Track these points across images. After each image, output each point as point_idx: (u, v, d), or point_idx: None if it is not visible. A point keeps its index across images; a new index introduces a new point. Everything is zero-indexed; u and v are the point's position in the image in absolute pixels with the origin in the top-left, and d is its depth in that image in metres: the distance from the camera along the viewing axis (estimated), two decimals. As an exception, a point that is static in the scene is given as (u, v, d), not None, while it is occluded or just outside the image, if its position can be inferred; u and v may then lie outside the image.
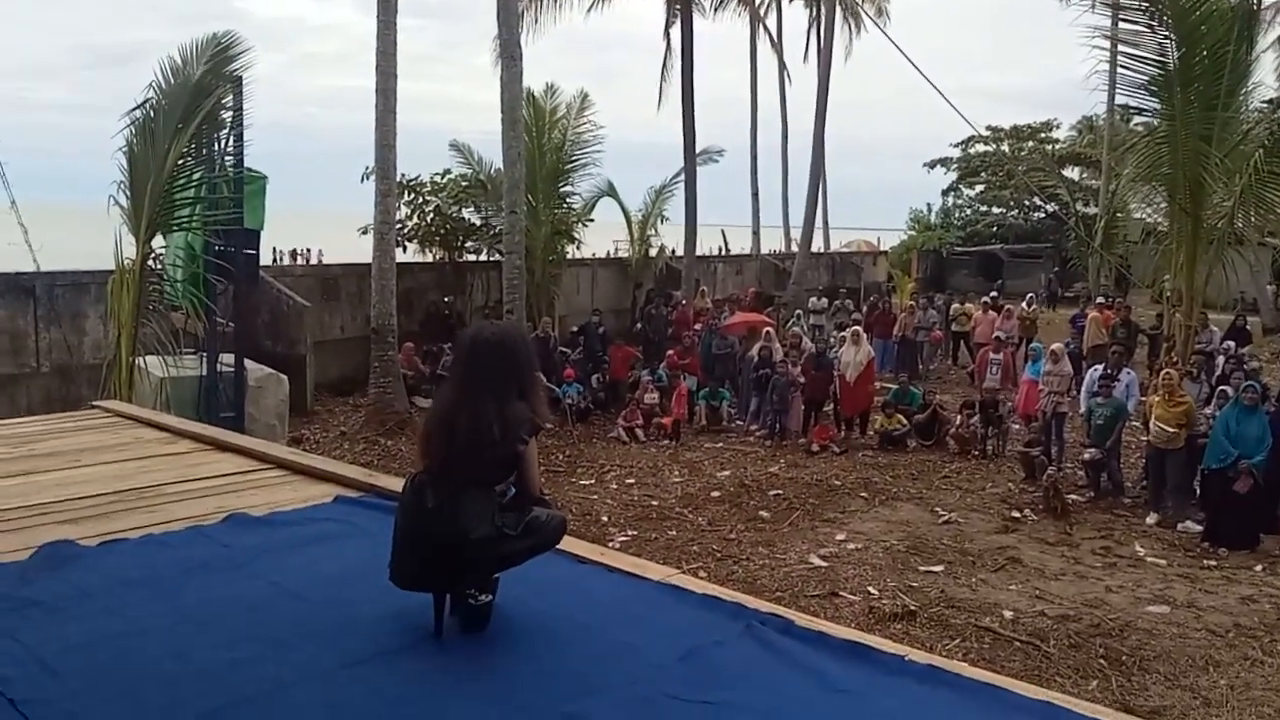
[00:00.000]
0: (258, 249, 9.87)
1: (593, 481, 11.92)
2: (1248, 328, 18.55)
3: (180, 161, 9.12)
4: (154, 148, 8.71)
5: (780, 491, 11.34)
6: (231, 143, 9.55)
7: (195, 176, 9.36)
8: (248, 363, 10.31)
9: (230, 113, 9.49)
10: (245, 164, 9.62)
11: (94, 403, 6.84)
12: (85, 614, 3.20)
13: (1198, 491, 10.56)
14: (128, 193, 8.88)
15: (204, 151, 9.47)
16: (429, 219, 18.37)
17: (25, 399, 11.90)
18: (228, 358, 9.88)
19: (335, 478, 4.91)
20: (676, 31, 23.71)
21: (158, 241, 9.27)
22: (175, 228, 9.24)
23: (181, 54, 9.07)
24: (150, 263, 9.05)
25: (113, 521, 4.20)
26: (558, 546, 3.39)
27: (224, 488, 4.81)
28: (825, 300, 23.19)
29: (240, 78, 9.39)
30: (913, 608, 7.67)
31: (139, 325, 8.78)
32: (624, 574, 3.65)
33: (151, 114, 8.91)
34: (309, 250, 19.95)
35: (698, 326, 18.07)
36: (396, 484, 4.15)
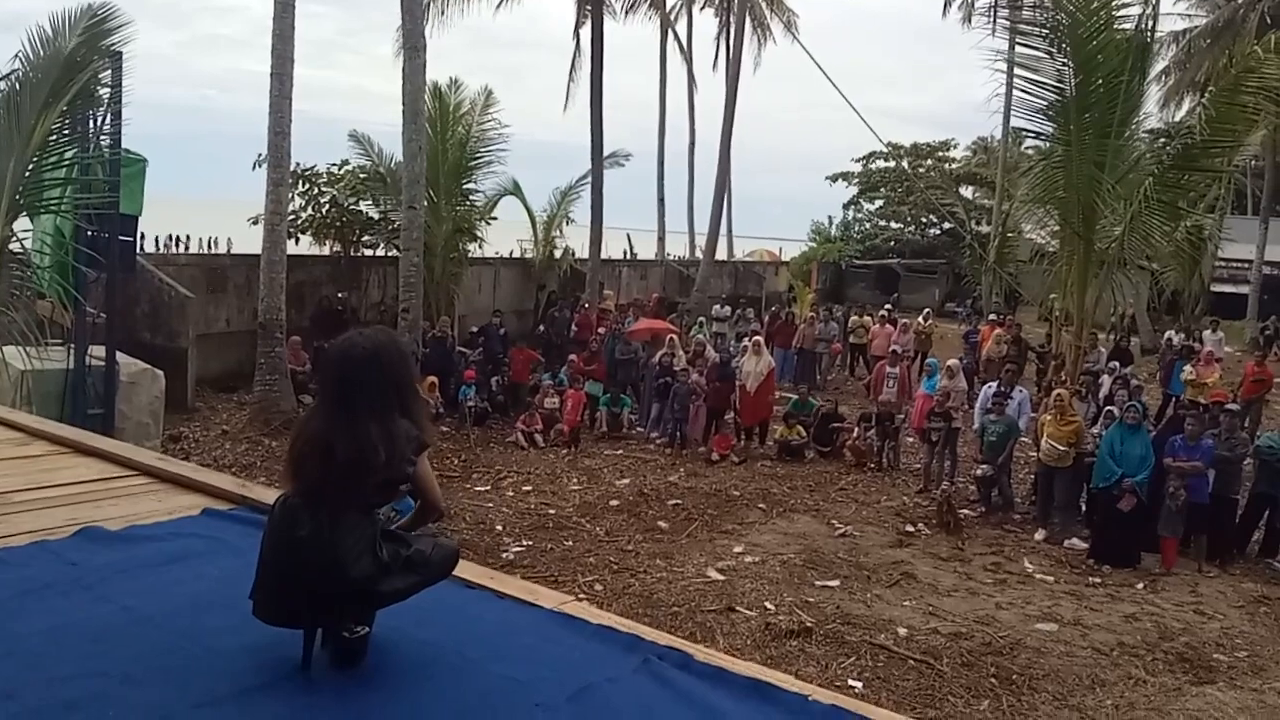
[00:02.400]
0: (134, 235, 9.27)
1: (488, 488, 11.61)
2: (1130, 348, 19.28)
3: (50, 139, 8.48)
4: (19, 124, 8.06)
5: (679, 501, 11.23)
6: (109, 121, 8.94)
7: (66, 156, 8.72)
8: (120, 356, 9.68)
9: (108, 89, 8.88)
10: (124, 145, 9.01)
11: (-61, 398, 6.27)
12: (-102, 645, 2.83)
13: (1084, 509, 10.83)
14: (-13, 170, 8.21)
15: (77, 130, 8.84)
16: (324, 210, 17.75)
17: None
18: (98, 350, 9.24)
19: (204, 488, 4.55)
20: (586, 32, 23.53)
21: (22, 224, 8.60)
22: (42, 210, 8.60)
23: (53, 23, 8.40)
24: (13, 246, 8.39)
25: (-54, 534, 3.78)
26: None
27: (79, 497, 4.40)
28: (729, 308, 23.29)
29: (120, 53, 8.78)
30: (809, 624, 7.61)
31: (-2, 314, 8.14)
32: (514, 600, 3.42)
33: (17, 87, 8.24)
34: (186, 237, 19.10)
35: (601, 330, 17.88)
36: (272, 495, 3.83)
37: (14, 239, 8.38)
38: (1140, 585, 9.27)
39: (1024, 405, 12.52)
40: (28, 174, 8.22)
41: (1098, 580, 9.39)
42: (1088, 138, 12.61)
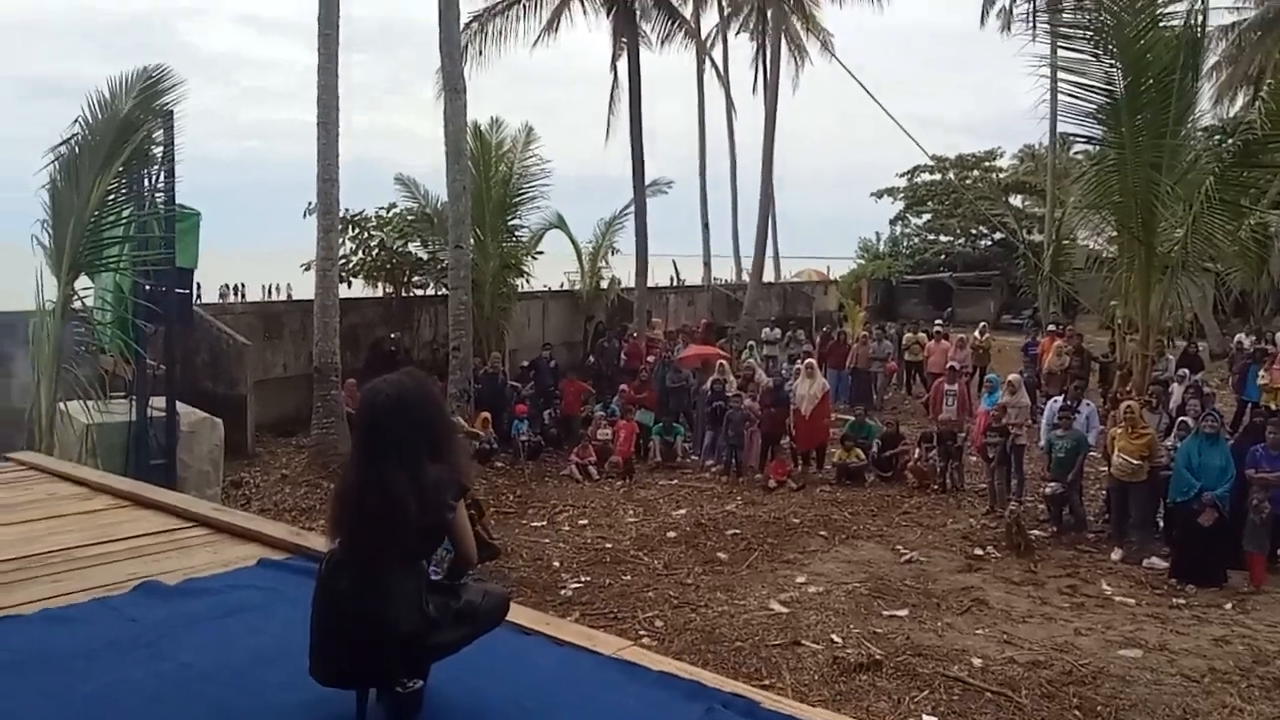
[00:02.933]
0: (190, 288, 9.43)
1: (544, 523, 11.55)
2: (1199, 355, 18.70)
3: (109, 199, 8.69)
4: (78, 184, 8.28)
5: (738, 531, 11.06)
6: (162, 179, 9.13)
7: (124, 214, 8.92)
8: (181, 406, 9.82)
9: (161, 148, 9.08)
10: (177, 200, 9.19)
11: (7, 455, 6.38)
12: (-40, 712, 2.82)
13: (1161, 525, 10.44)
14: (50, 231, 8.43)
15: (133, 188, 9.05)
16: (374, 253, 17.98)
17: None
18: (159, 401, 9.39)
19: (259, 537, 4.56)
20: (623, 65, 23.62)
21: (83, 282, 8.80)
22: (102, 268, 8.79)
23: (110, 87, 8.66)
24: (75, 304, 8.58)
25: (11, 593, 3.82)
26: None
27: (139, 550, 4.44)
28: (779, 331, 23.10)
29: (171, 112, 8.99)
30: (878, 657, 7.37)
31: (61, 369, 8.30)
32: (573, 647, 3.34)
33: (77, 150, 8.48)
34: (242, 285, 19.51)
35: (651, 359, 17.80)
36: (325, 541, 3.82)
37: (75, 297, 8.58)
38: (1228, 605, 8.84)
39: (1092, 419, 12.16)
40: (87, 233, 8.42)
41: (1181, 601, 8.98)
42: (1142, 139, 12.29)
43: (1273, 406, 12.85)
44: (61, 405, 8.69)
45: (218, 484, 10.44)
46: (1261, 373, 15.45)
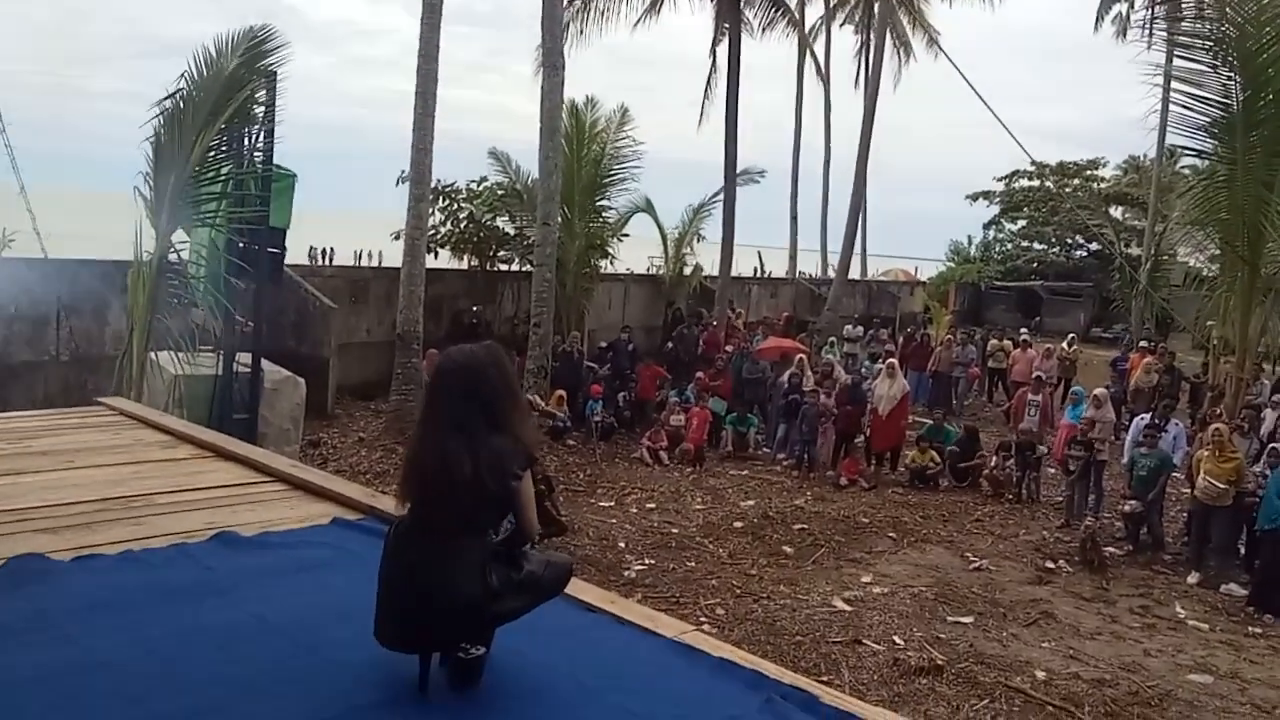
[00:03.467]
0: (283, 248, 9.62)
1: (612, 504, 11.60)
2: (1297, 381, 17.92)
3: (209, 155, 8.91)
4: (181, 140, 8.51)
5: (805, 526, 10.97)
6: (262, 139, 9.34)
7: (222, 171, 9.15)
8: (265, 364, 10.07)
9: (262, 108, 9.28)
10: (275, 161, 9.40)
11: (98, 399, 6.61)
12: (41, 642, 2.94)
13: (1242, 552, 10.08)
14: (151, 184, 8.68)
15: (233, 147, 9.27)
16: (462, 226, 18.17)
17: (43, 387, 11.75)
18: (245, 357, 9.64)
19: (335, 496, 4.64)
20: (723, 50, 23.44)
21: (180, 236, 9.06)
22: (199, 223, 9.03)
23: (216, 45, 8.85)
24: (170, 257, 8.84)
25: (93, 533, 3.95)
26: (566, 592, 3.07)
27: (217, 500, 4.55)
28: (860, 329, 22.78)
29: (274, 73, 9.17)
30: (940, 662, 7.26)
31: (154, 320, 8.57)
32: (635, 627, 3.33)
33: (181, 105, 8.70)
34: (331, 250, 19.86)
35: (729, 348, 17.71)
36: (399, 506, 3.88)
37: (171, 249, 8.84)
38: (1308, 638, 8.54)
39: (1179, 439, 11.76)
40: (186, 188, 8.65)
41: (1258, 630, 8.68)
42: (1255, 156, 11.83)
43: None
44: (151, 355, 8.96)
45: (297, 442, 10.69)
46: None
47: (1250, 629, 8.73)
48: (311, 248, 19.22)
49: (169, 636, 3.01)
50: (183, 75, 8.84)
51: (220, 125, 8.69)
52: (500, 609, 2.64)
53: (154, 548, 3.80)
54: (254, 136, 9.38)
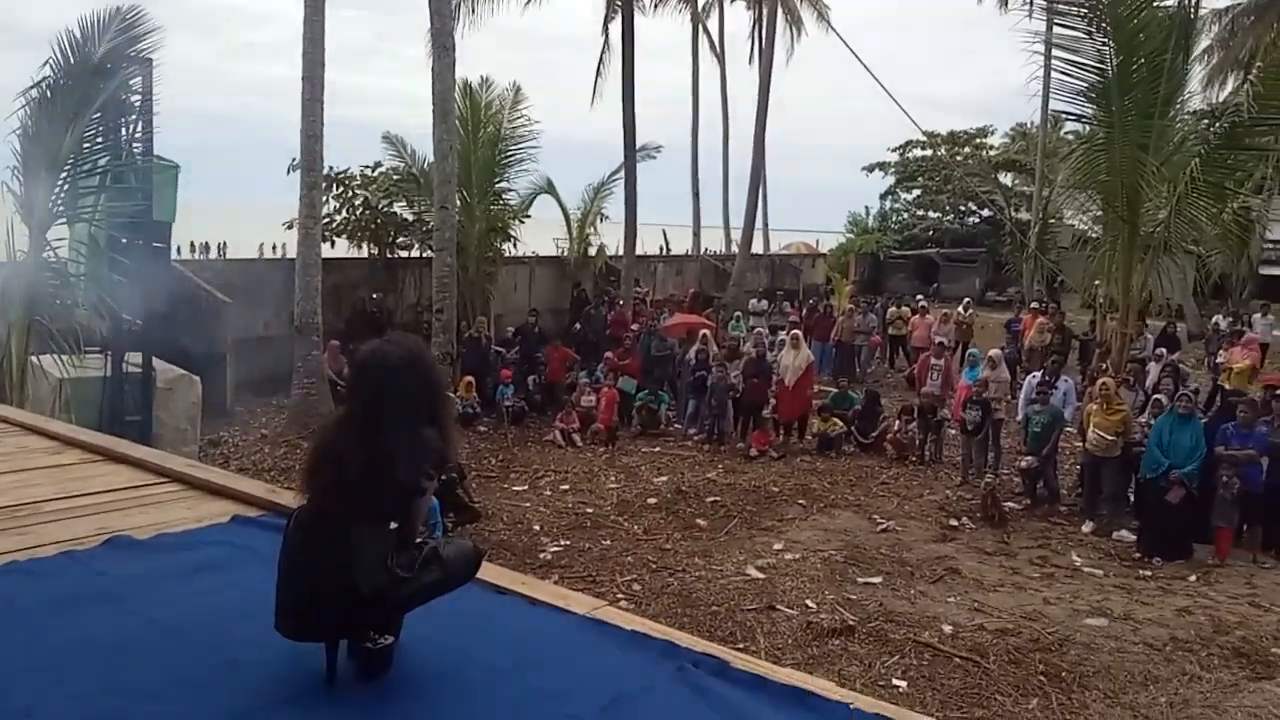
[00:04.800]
0: (168, 242, 9.28)
1: (526, 487, 11.56)
2: (1177, 335, 18.81)
3: (83, 147, 8.51)
4: (52, 131, 8.10)
5: (718, 498, 11.10)
6: (139, 129, 8.95)
7: (100, 163, 8.76)
8: (157, 363, 9.72)
9: (138, 96, 8.89)
10: (155, 152, 9.02)
11: (-25, 408, 6.30)
12: (-78, 661, 2.79)
13: (1132, 500, 10.56)
14: (21, 179, 8.26)
15: (109, 137, 8.86)
16: (358, 213, 17.78)
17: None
18: (135, 357, 9.28)
19: (234, 494, 4.51)
20: (616, 27, 23.40)
21: (57, 233, 8.64)
22: (76, 218, 8.63)
23: (82, 28, 8.41)
24: (47, 255, 8.44)
25: (-25, 547, 3.76)
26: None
27: (109, 505, 4.38)
28: (765, 302, 23.08)
29: (149, 59, 8.81)
30: (851, 622, 7.45)
31: (33, 322, 8.18)
32: (546, 606, 3.32)
33: (49, 94, 8.28)
34: (223, 244, 19.26)
35: (635, 327, 17.76)
36: (301, 501, 3.78)
37: (48, 248, 8.44)
38: (1193, 578, 8.99)
39: (1069, 395, 12.23)
40: (61, 182, 8.26)
41: (1148, 573, 9.12)
42: (1130, 119, 12.29)
43: (1226, 385, 12.93)
44: (33, 359, 8.57)
45: (195, 442, 10.37)
46: (1221, 353, 15.57)
47: (1141, 572, 9.17)
48: (193, 243, 18.51)
49: (59, 647, 2.90)
50: (48, 62, 8.39)
51: (93, 114, 8.29)
52: (406, 596, 2.60)
53: (41, 557, 3.64)
54: (131, 126, 8.98)
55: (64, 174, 8.25)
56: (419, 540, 2.66)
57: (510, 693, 2.73)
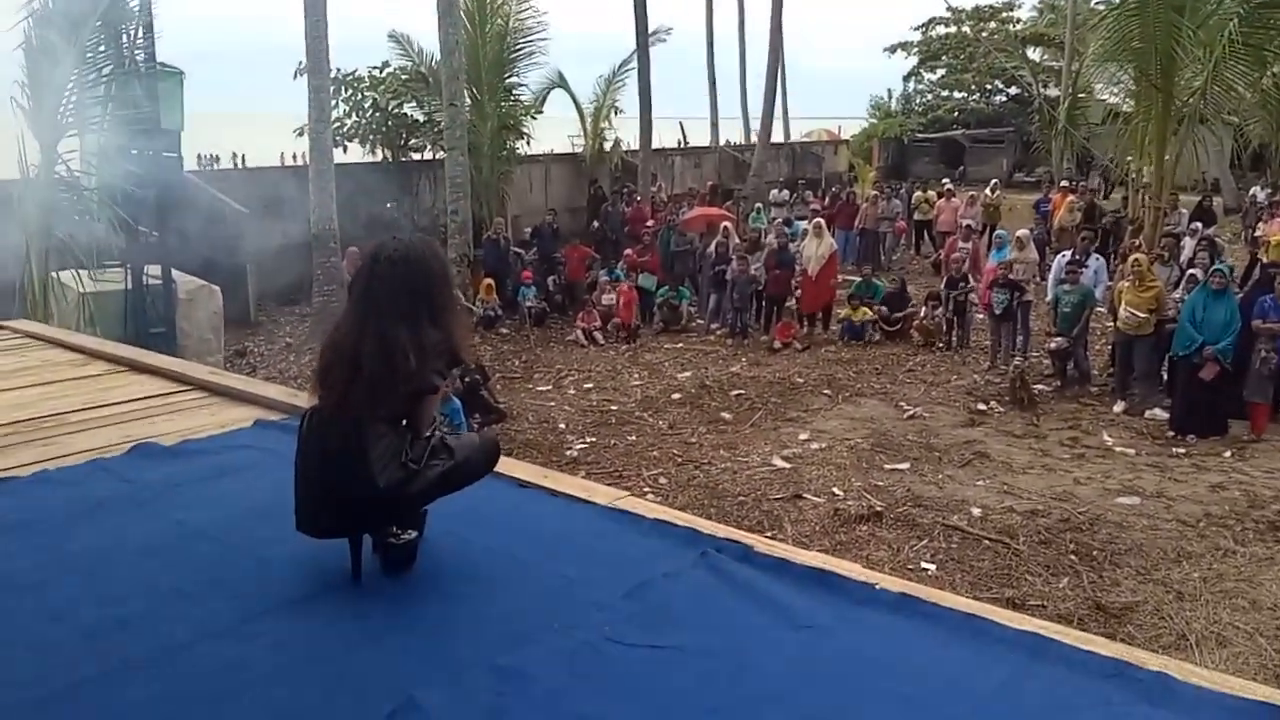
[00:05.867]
0: (178, 151, 9.17)
1: (550, 387, 11.59)
2: (1213, 208, 18.34)
3: (87, 56, 8.36)
4: (55, 43, 7.95)
5: (742, 391, 11.08)
6: (140, 35, 8.76)
7: (104, 73, 8.60)
8: (178, 274, 9.72)
9: (137, 2, 8.69)
10: (157, 59, 8.84)
11: (0, 323, 6.33)
12: (-44, 569, 2.83)
13: (1164, 378, 10.42)
14: (28, 93, 8.14)
15: (112, 46, 8.68)
16: (368, 115, 17.49)
17: (-55, 319, 11.23)
18: (155, 270, 9.28)
19: (256, 399, 4.53)
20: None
21: (67, 145, 8.56)
22: (85, 130, 8.53)
23: (74, -67, 8.20)
24: (59, 169, 8.37)
25: (5, 457, 3.83)
26: (498, 470, 3.04)
27: (134, 414, 4.42)
28: (786, 192, 22.69)
29: (144, -41, 8.58)
30: (879, 508, 7.46)
31: (51, 237, 8.17)
32: (569, 498, 3.33)
33: (50, 3, 8.10)
34: (242, 156, 19.08)
35: (652, 223, 17.53)
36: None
37: (60, 161, 8.37)
38: (1227, 454, 8.88)
39: (1100, 273, 11.99)
40: (68, 94, 8.14)
41: (1181, 451, 9.03)
42: (1165, -20, 11.74)
43: (1264, 259, 12.59)
44: (54, 274, 8.58)
45: (219, 352, 10.45)
46: (1260, 225, 15.17)
47: (1174, 450, 9.06)
48: (199, 155, 18.30)
49: (90, 552, 2.94)
50: (48, -30, 8.19)
51: (95, 22, 8.11)
52: (421, 488, 2.59)
53: (70, 466, 3.68)
54: (133, 33, 8.79)
55: (70, 85, 8.12)
56: (427, 434, 2.64)
57: (535, 583, 2.74)
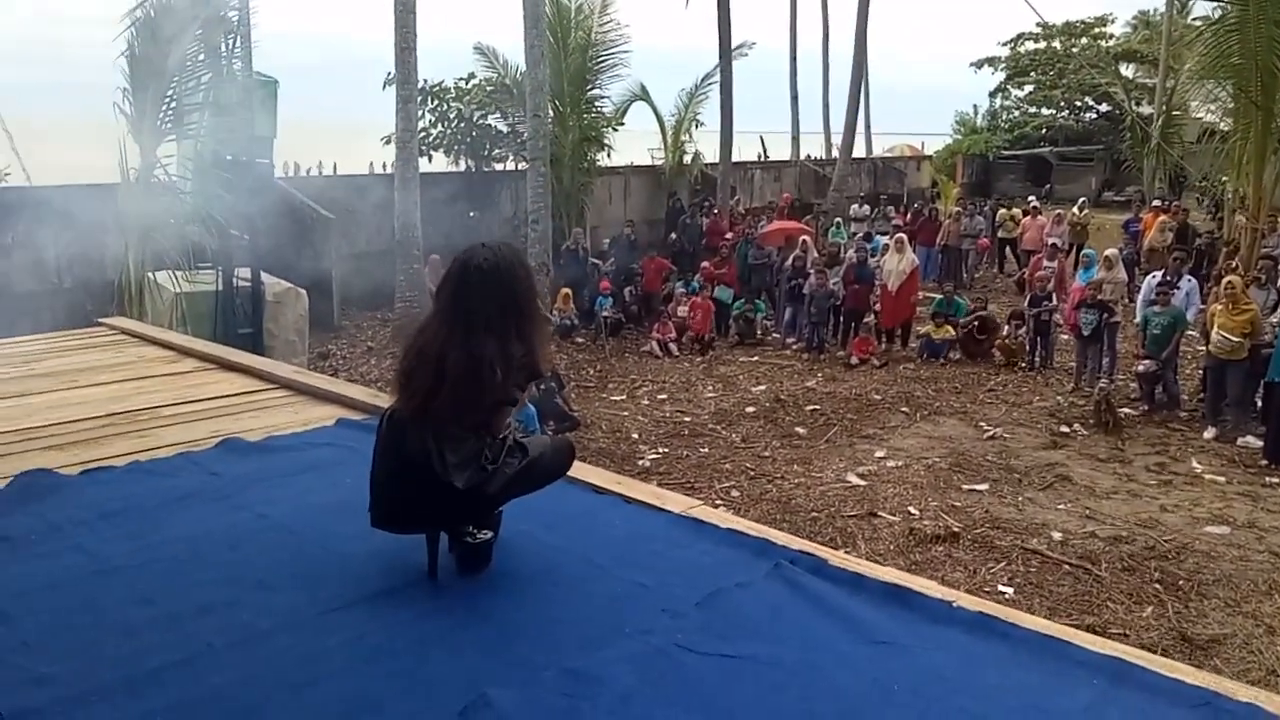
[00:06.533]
0: (270, 157, 9.45)
1: (624, 397, 11.63)
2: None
3: (186, 64, 8.67)
4: (157, 50, 8.27)
5: (817, 406, 10.97)
6: (238, 44, 9.06)
7: (202, 80, 8.92)
8: (266, 277, 10.00)
9: (235, 12, 8.99)
10: (255, 69, 9.14)
11: (98, 319, 6.59)
12: (52, 551, 2.96)
13: (1258, 405, 10.03)
14: (130, 100, 8.48)
15: (210, 55, 9.00)
16: (453, 126, 17.79)
17: (48, 315, 11.70)
18: (244, 272, 9.56)
19: (339, 398, 4.64)
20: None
21: (165, 150, 8.88)
22: (183, 136, 8.85)
23: (177, -54, 8.54)
24: (158, 173, 8.69)
25: (100, 447, 3.97)
26: (573, 475, 3.06)
27: (222, 410, 4.56)
28: (867, 207, 22.44)
29: (245, -28, 8.88)
30: (956, 529, 7.32)
31: (148, 239, 8.48)
32: (643, 505, 3.33)
33: (153, 13, 8.43)
34: (331, 164, 19.51)
35: (730, 236, 17.48)
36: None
37: (158, 165, 8.68)
38: (1324, 485, 8.55)
39: (1192, 295, 11.61)
40: (167, 100, 8.46)
41: (1275, 480, 8.68)
42: (1266, -4, 11.37)
43: None
44: (150, 275, 8.90)
45: (304, 354, 10.70)
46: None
47: (1267, 479, 8.73)
48: (284, 162, 18.73)
49: (177, 541, 3.04)
50: (148, -19, 8.53)
51: (196, 31, 8.41)
52: (498, 488, 2.62)
53: (160, 458, 3.81)
54: (231, 43, 9.10)
55: (169, 93, 8.44)
56: (502, 435, 2.66)
57: (607, 587, 2.75)
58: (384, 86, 14.82)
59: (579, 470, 3.38)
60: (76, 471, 3.63)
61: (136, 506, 3.30)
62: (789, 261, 14.79)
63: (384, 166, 22.58)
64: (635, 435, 10.04)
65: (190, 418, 4.40)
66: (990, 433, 10.00)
